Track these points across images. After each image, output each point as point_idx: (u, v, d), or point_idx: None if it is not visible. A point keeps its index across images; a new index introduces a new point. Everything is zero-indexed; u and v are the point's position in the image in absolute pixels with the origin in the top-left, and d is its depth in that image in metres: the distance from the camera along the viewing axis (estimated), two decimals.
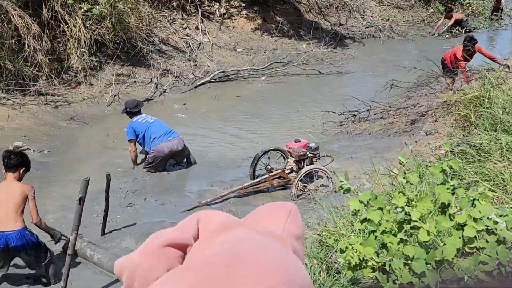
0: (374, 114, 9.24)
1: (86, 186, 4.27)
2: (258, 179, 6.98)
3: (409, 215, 2.21)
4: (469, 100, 5.86)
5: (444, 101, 7.09)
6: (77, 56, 10.22)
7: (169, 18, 13.05)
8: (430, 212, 2.84)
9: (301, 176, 6.69)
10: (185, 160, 7.87)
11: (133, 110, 7.83)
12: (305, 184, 6.86)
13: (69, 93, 10.08)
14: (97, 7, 10.17)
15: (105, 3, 10.25)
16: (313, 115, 9.63)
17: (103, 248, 5.40)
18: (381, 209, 2.29)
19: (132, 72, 11.20)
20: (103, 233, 5.85)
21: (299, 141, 7.20)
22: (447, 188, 2.31)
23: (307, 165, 6.97)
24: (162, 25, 12.76)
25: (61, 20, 10.21)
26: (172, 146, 7.52)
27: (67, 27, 10.20)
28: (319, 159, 7.25)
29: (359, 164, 6.89)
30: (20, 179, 4.91)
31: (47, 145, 8.25)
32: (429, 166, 2.46)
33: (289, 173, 7.09)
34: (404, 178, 2.30)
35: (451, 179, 2.44)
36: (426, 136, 7.59)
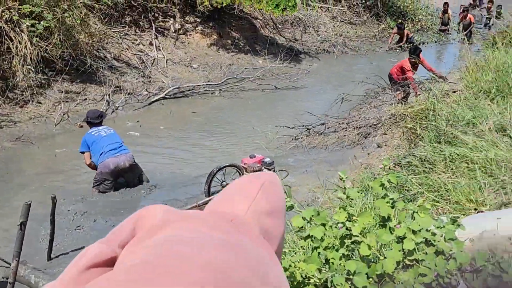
0: (328, 128, 9.37)
1: (27, 210, 4.12)
2: (213, 196, 6.92)
3: (350, 230, 2.24)
4: (415, 113, 6.01)
5: (392, 114, 7.26)
6: (23, 73, 9.96)
7: (121, 34, 12.92)
8: (375, 225, 2.89)
9: None
10: (137, 179, 7.72)
11: (92, 120, 7.58)
12: None
13: (15, 112, 9.79)
14: (42, 22, 9.94)
15: (51, 18, 10.04)
16: (268, 130, 9.68)
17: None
18: (323, 225, 2.31)
19: (83, 89, 10.99)
20: (49, 258, 5.63)
21: (254, 157, 7.21)
22: (387, 202, 2.35)
23: None
24: (114, 41, 12.62)
25: (5, 37, 9.95)
26: (118, 162, 7.28)
27: (12, 43, 9.94)
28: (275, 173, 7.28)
29: (314, 178, 6.95)
30: None
31: None
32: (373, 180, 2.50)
33: None
34: (344, 193, 2.33)
35: (394, 192, 2.49)
36: (378, 149, 7.73)
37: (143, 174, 7.72)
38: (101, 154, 7.28)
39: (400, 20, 19.89)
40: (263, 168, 7.05)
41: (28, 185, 7.63)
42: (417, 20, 21.27)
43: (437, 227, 2.37)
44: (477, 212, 3.67)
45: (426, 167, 4.92)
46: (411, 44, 17.46)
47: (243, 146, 9.08)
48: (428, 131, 5.65)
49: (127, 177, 7.58)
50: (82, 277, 0.61)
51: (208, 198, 6.89)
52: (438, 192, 4.21)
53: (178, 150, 9.09)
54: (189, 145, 9.40)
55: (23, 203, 4.15)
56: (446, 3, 21.47)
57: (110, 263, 0.62)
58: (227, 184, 6.97)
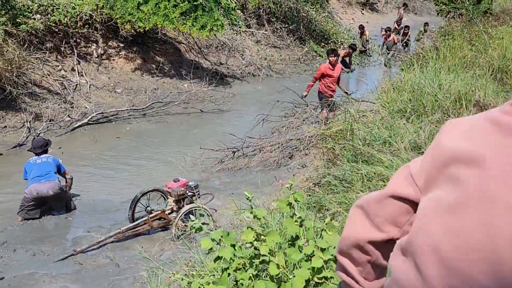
0: (253, 150, 9.49)
1: None
2: (138, 222, 6.84)
3: (258, 250, 2.29)
4: (334, 133, 6.21)
5: (313, 135, 7.46)
6: None
7: (42, 60, 12.56)
8: (288, 244, 2.95)
9: (181, 216, 6.65)
10: (64, 206, 7.54)
11: (34, 150, 7.68)
12: (186, 224, 6.81)
13: None
14: None
15: None
16: (193, 153, 9.67)
17: None
18: (233, 245, 2.34)
19: (2, 117, 10.58)
20: None
21: (178, 180, 7.19)
22: (295, 221, 2.42)
23: (187, 204, 6.95)
24: (35, 67, 12.24)
25: None
26: (41, 189, 7.18)
27: None
28: (199, 197, 7.27)
29: (239, 200, 7.00)
30: None
31: None
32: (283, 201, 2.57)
33: (169, 213, 7.02)
34: (251, 213, 2.38)
35: (303, 211, 2.57)
36: (302, 169, 7.91)
37: (71, 201, 7.57)
38: (30, 179, 7.30)
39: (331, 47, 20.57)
40: (187, 191, 7.02)
41: None
42: (339, 43, 22.04)
43: None
44: None
45: (344, 186, 5.08)
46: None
47: (167, 170, 9.03)
48: (346, 151, 5.85)
49: (52, 204, 7.48)
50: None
51: (132, 224, 6.78)
52: None
53: (102, 176, 8.91)
54: (113, 171, 9.23)
55: None
56: (361, 26, 22.52)
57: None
58: (152, 210, 6.92)
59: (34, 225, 7.12)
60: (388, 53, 20.01)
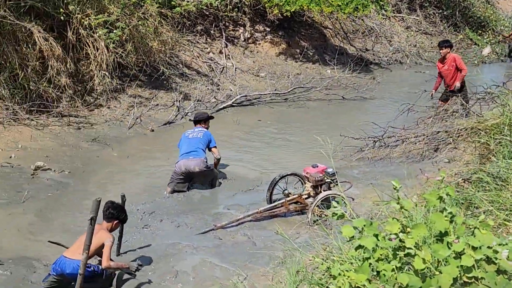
0: (396, 141, 9.14)
1: (97, 206, 4.32)
2: (275, 204, 6.94)
3: (404, 242, 2.17)
4: (489, 127, 5.74)
5: (464, 128, 6.97)
6: (99, 78, 10.42)
7: (193, 42, 13.24)
8: (430, 240, 2.78)
9: (317, 202, 6.62)
10: (210, 183, 7.95)
11: (194, 119, 8.34)
12: (322, 210, 6.77)
13: (92, 115, 10.28)
14: (116, 31, 10.36)
15: (122, 27, 10.43)
16: (333, 140, 9.54)
17: None
18: (376, 236, 2.25)
19: (154, 95, 11.36)
20: (118, 253, 5.88)
21: (317, 166, 7.14)
22: (445, 216, 2.26)
23: (324, 191, 6.91)
24: (186, 48, 12.96)
25: (85, 43, 10.46)
26: (189, 165, 7.61)
27: (90, 50, 10.43)
28: (337, 184, 7.18)
29: (379, 191, 6.80)
30: (112, 229, 5.39)
31: (68, 166, 8.39)
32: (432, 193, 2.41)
33: (306, 198, 7.03)
34: (398, 203, 2.26)
35: (453, 206, 2.39)
36: (449, 164, 7.44)
37: (216, 180, 7.96)
38: (180, 155, 7.79)
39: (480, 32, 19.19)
40: (325, 178, 6.97)
41: (101, 184, 7.96)
42: (499, 31, 20.35)
43: (500, 245, 2.25)
44: None
45: (498, 184, 4.68)
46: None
47: (306, 155, 9.03)
48: (502, 146, 5.38)
49: (199, 180, 7.88)
50: None
51: (269, 205, 6.90)
52: (510, 211, 4.00)
53: (242, 157, 9.19)
54: (252, 153, 9.48)
55: (94, 200, 4.34)
56: None
57: None
58: (289, 193, 6.99)
59: (180, 198, 7.55)
60: None
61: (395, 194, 2.29)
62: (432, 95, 10.77)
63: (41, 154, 8.61)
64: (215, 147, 8.06)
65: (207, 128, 8.21)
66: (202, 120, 8.26)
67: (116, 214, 5.41)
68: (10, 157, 8.26)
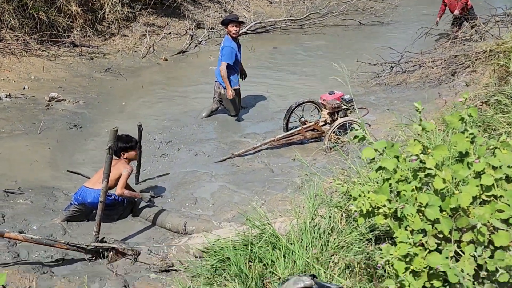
0: (413, 66, 9.00)
1: (115, 135, 4.35)
2: (292, 131, 6.98)
3: (424, 163, 2.18)
4: (508, 49, 5.61)
5: (483, 51, 6.82)
6: (110, 6, 10.23)
7: None
8: (450, 162, 2.79)
9: (334, 128, 6.63)
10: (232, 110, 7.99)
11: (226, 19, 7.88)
12: (339, 136, 6.79)
13: (104, 44, 10.19)
14: None
15: None
16: (350, 66, 9.42)
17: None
18: (396, 157, 2.26)
19: (167, 24, 11.19)
20: (137, 182, 6.00)
21: (334, 93, 7.09)
22: (466, 137, 2.25)
23: (341, 117, 6.90)
24: None
25: None
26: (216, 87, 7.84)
27: None
28: (354, 111, 7.15)
29: (395, 117, 6.77)
30: (129, 159, 5.43)
31: (82, 97, 8.42)
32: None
33: (322, 125, 7.04)
34: (419, 125, 2.24)
35: (473, 127, 2.37)
36: (467, 87, 7.35)
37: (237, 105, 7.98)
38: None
39: None
40: (342, 105, 6.94)
41: (117, 113, 8.02)
42: None
43: None
44: None
45: None
46: None
47: (323, 82, 8.95)
48: None
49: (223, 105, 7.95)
50: None
51: (286, 133, 6.94)
52: None
53: (257, 85, 9.12)
54: (268, 80, 9.41)
55: (111, 129, 4.37)
56: None
57: None
58: (305, 120, 6.99)
59: (195, 127, 7.59)
60: None
61: (417, 115, 2.27)
62: (437, 23, 10.53)
63: (54, 85, 8.64)
64: (224, 62, 7.61)
65: (228, 33, 7.72)
66: (224, 25, 7.90)
67: (121, 146, 5.35)
68: (24, 88, 8.30)
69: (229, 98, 7.65)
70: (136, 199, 5.33)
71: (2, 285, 3.46)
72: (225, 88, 7.62)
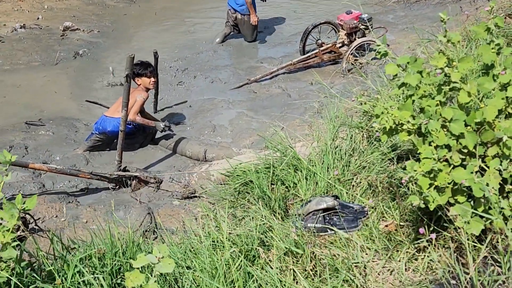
0: None
1: (131, 63, 4.31)
2: (308, 54, 6.85)
3: (449, 76, 2.11)
4: None
5: None
6: None
7: None
8: (481, 73, 2.70)
9: (352, 50, 6.48)
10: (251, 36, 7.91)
11: None
12: (357, 58, 6.64)
13: None
14: None
15: None
16: None
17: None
18: (420, 72, 2.19)
19: None
20: (155, 110, 6.02)
21: (351, 13, 6.87)
22: (492, 48, 2.16)
23: (359, 38, 6.73)
24: None
25: None
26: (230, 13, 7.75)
27: None
28: (372, 31, 6.96)
29: (414, 35, 6.58)
30: (146, 87, 5.36)
31: (96, 25, 8.32)
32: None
33: (340, 47, 6.89)
34: (445, 36, 2.15)
35: (500, 38, 2.28)
36: (488, 1, 7.06)
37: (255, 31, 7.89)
38: None
39: None
40: (360, 24, 6.74)
41: (132, 41, 7.94)
42: None
43: None
44: None
45: None
46: None
47: (339, 0, 8.66)
48: None
49: (242, 30, 7.88)
50: None
51: (303, 56, 6.82)
52: None
53: (272, 8, 8.85)
54: (283, 2, 9.14)
55: (127, 56, 4.33)
56: None
57: None
58: (322, 43, 6.83)
59: (210, 54, 7.49)
60: None
61: (442, 26, 2.18)
62: None
63: (68, 14, 8.53)
64: None
65: None
66: None
67: (134, 72, 5.16)
68: (38, 18, 8.21)
69: (253, 24, 7.58)
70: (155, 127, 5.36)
71: (29, 215, 3.59)
72: (241, 14, 7.49)
